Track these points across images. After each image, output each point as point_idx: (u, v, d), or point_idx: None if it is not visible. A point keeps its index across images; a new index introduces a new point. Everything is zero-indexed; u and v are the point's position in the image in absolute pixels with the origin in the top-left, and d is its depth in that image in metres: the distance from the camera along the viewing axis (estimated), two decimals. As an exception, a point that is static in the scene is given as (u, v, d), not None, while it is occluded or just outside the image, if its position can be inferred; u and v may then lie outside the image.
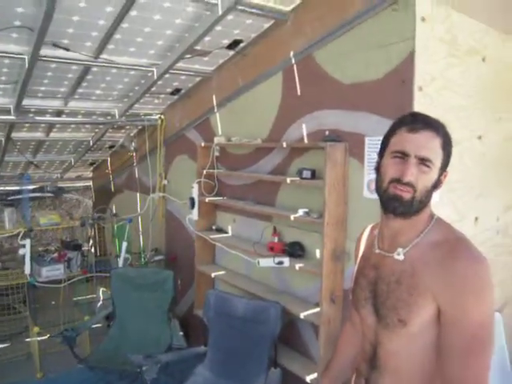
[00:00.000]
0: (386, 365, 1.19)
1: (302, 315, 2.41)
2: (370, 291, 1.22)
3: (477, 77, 2.33)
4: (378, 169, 1.18)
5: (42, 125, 3.87)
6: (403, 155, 1.10)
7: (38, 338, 3.41)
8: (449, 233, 1.14)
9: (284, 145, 2.57)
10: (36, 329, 3.37)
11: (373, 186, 1.98)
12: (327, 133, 2.37)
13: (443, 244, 1.10)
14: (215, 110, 3.29)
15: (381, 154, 1.18)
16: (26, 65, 2.55)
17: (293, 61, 2.60)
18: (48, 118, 3.68)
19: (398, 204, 1.10)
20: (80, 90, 3.26)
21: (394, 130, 1.15)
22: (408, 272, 1.12)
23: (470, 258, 1.06)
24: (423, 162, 1.08)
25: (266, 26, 2.68)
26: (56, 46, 2.51)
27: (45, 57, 2.57)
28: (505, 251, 2.72)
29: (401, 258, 1.15)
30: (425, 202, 1.11)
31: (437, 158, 1.10)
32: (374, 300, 1.20)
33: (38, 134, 4.07)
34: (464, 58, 2.23)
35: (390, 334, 1.15)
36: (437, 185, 1.13)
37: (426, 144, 1.09)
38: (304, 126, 2.54)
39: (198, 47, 2.74)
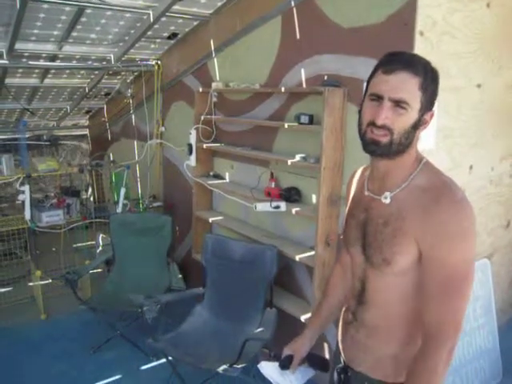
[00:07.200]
0: (373, 300, 1.25)
1: (297, 258, 2.48)
2: (359, 232, 1.26)
3: (480, 23, 2.28)
4: (360, 111, 1.17)
5: (36, 70, 3.80)
6: (378, 98, 1.09)
7: (41, 282, 3.49)
8: (436, 177, 1.15)
9: (282, 90, 2.55)
10: (38, 272, 3.45)
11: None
12: (326, 77, 2.35)
13: (429, 189, 1.12)
14: (213, 55, 3.23)
15: (364, 96, 1.17)
16: (17, 5, 2.47)
17: (292, 3, 2.53)
18: (42, 62, 3.61)
19: (376, 147, 1.11)
20: (74, 34, 3.17)
21: (374, 71, 1.14)
22: (394, 215, 1.15)
23: (452, 203, 1.08)
24: (398, 103, 1.07)
25: (266, -35, 2.59)
26: (48, -16, 2.44)
27: (36, -4, 2.50)
28: (497, 201, 2.78)
29: (387, 201, 1.18)
30: (405, 143, 1.11)
31: (414, 99, 1.07)
32: (362, 240, 1.24)
33: (33, 80, 4.01)
34: (468, 2, 2.17)
35: (376, 272, 1.21)
36: (418, 125, 1.11)
37: (401, 85, 1.06)
38: (303, 70, 2.51)
39: (195, -13, 2.67)
